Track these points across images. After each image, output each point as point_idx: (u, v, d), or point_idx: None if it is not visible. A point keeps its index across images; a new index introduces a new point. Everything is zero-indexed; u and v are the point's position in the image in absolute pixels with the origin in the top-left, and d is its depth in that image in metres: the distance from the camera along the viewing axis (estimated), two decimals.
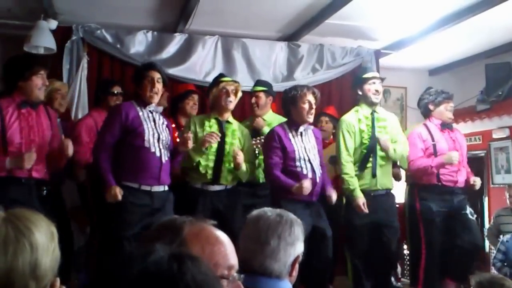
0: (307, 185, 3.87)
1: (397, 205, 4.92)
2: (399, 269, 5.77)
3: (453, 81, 6.27)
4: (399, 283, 5.24)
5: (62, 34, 5.17)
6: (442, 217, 4.48)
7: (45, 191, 3.72)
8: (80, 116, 5.00)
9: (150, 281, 0.79)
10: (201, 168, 4.01)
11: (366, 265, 4.40)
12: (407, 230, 5.27)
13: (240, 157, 4.01)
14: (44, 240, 1.29)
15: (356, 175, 4.31)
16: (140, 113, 3.79)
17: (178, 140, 4.43)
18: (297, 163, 4.02)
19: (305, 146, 4.10)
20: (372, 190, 4.34)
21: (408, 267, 5.78)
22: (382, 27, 5.48)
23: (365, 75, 4.48)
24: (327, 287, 4.26)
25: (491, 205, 5.97)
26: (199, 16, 4.99)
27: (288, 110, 4.14)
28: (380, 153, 4.35)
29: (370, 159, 4.33)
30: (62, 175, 4.24)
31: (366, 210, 4.19)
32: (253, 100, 4.71)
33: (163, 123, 3.89)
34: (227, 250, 1.12)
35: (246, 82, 5.46)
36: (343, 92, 6.04)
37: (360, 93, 4.45)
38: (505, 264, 4.85)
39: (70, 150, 3.65)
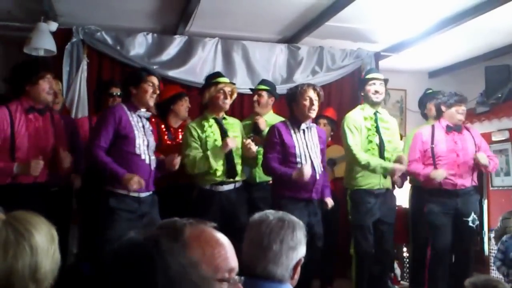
0: (307, 169, 3.91)
1: (397, 207, 4.94)
2: (398, 271, 5.77)
3: (452, 83, 6.26)
4: (396, 286, 5.23)
5: (62, 36, 5.17)
6: (446, 219, 4.48)
7: (53, 189, 3.73)
8: (79, 117, 5.01)
9: (127, 252, 0.79)
10: (212, 169, 4.04)
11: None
12: (411, 232, 5.28)
13: (252, 145, 4.07)
14: (45, 243, 1.28)
15: (362, 176, 4.40)
16: (130, 118, 3.73)
17: (168, 142, 4.48)
18: (297, 159, 4.06)
19: (306, 143, 4.12)
20: (376, 189, 4.41)
21: (407, 270, 5.79)
22: (382, 30, 5.49)
23: (367, 76, 4.61)
24: (311, 283, 4.27)
25: (491, 207, 5.97)
26: (199, 18, 4.99)
27: (291, 108, 4.20)
28: (385, 154, 4.42)
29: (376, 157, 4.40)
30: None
31: (404, 169, 4.37)
32: (255, 97, 4.74)
33: (149, 128, 3.87)
34: (227, 253, 1.11)
35: (245, 84, 5.49)
36: (343, 94, 6.05)
37: (362, 93, 4.59)
38: (505, 263, 4.86)
39: (67, 162, 3.67)
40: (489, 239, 5.91)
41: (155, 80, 3.80)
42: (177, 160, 3.85)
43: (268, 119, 4.68)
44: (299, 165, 4.02)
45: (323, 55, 6.00)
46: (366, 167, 4.33)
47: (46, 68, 3.72)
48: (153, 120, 4.32)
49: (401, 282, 5.75)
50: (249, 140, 4.13)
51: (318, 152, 4.16)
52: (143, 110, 3.81)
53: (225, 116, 4.26)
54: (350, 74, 6.08)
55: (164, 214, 3.74)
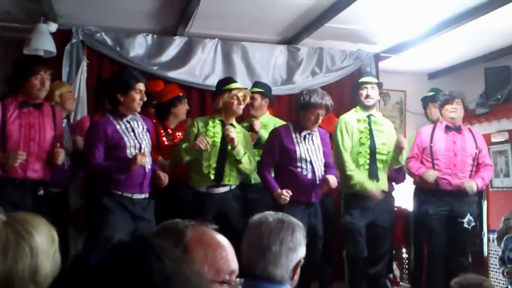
0: (285, 199, 3.93)
1: (395, 208, 4.93)
2: (398, 272, 5.77)
3: (452, 84, 6.26)
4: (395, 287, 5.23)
5: (62, 37, 5.17)
6: (441, 220, 4.49)
7: (41, 192, 3.72)
8: (78, 118, 5.00)
9: (119, 254, 0.79)
10: (203, 169, 4.07)
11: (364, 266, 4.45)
12: (412, 232, 5.28)
13: (233, 133, 4.04)
14: (45, 244, 1.28)
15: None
16: (118, 127, 3.74)
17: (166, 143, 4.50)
18: (298, 163, 4.06)
19: (307, 147, 4.12)
20: (368, 192, 4.37)
21: (407, 271, 5.79)
22: (381, 31, 5.49)
23: (359, 80, 4.66)
24: (309, 284, 4.27)
25: (490, 208, 5.97)
26: (199, 19, 4.99)
27: (297, 113, 4.21)
28: (378, 156, 4.40)
29: (368, 160, 4.38)
30: (68, 176, 4.28)
31: (380, 197, 4.33)
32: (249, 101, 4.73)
33: (142, 129, 3.86)
34: (228, 255, 1.11)
35: (245, 85, 5.46)
36: (343, 96, 6.04)
37: (357, 97, 4.61)
38: (505, 262, 4.87)
39: (60, 159, 3.68)
40: (489, 240, 5.91)
41: (142, 86, 3.81)
42: (165, 180, 3.85)
43: (264, 120, 4.70)
44: (299, 169, 4.05)
45: (322, 56, 6.00)
46: (349, 178, 4.32)
47: (40, 64, 3.71)
48: (154, 121, 4.35)
49: (401, 283, 5.74)
50: (228, 126, 4.10)
51: (320, 155, 4.16)
52: (129, 116, 3.80)
53: (233, 123, 4.25)
54: (349, 75, 6.07)
55: (160, 217, 3.72)
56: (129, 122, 3.80)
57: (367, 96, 4.49)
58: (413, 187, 5.03)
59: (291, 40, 5.83)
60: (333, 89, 6.02)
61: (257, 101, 4.74)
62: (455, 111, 4.59)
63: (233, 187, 4.20)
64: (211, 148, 4.08)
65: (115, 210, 3.65)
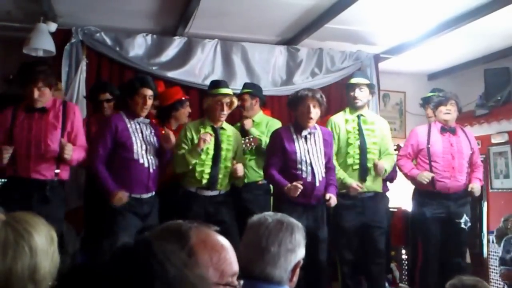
0: (297, 190, 3.89)
1: (392, 209, 4.93)
2: (397, 273, 5.76)
3: (452, 86, 6.26)
4: None
5: (61, 37, 5.17)
6: (438, 222, 4.49)
7: (48, 191, 3.72)
8: None
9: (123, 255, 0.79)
10: (196, 174, 4.04)
11: (358, 267, 4.43)
12: (410, 233, 5.28)
13: (240, 170, 4.10)
14: (44, 244, 1.28)
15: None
16: (129, 125, 3.91)
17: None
18: (298, 166, 4.05)
19: (308, 149, 4.10)
20: (360, 193, 4.36)
21: (406, 272, 5.79)
22: (381, 32, 5.49)
23: (349, 81, 4.70)
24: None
25: (490, 209, 5.97)
26: (198, 19, 4.99)
27: (292, 111, 4.24)
28: (369, 156, 4.39)
29: (357, 161, 4.38)
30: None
31: (359, 189, 4.30)
32: (239, 102, 4.72)
33: (150, 133, 3.99)
34: (231, 257, 1.11)
35: None
36: (343, 97, 6.01)
37: (347, 98, 4.66)
38: (504, 262, 4.88)
39: (67, 153, 3.67)
40: (488, 241, 5.91)
41: (147, 91, 3.89)
42: (171, 138, 3.95)
43: (257, 119, 4.70)
44: (298, 172, 4.02)
45: (322, 57, 6.00)
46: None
47: (39, 74, 3.69)
48: (153, 121, 4.35)
49: (400, 284, 5.74)
50: (238, 165, 4.11)
51: (321, 157, 4.12)
52: (141, 118, 3.95)
53: (223, 126, 4.21)
54: (349, 76, 6.05)
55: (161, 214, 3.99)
56: (139, 124, 3.95)
57: (355, 98, 4.51)
58: (412, 188, 5.03)
59: (291, 40, 5.83)
60: (333, 90, 6.02)
61: (247, 102, 4.72)
62: (449, 112, 4.59)
63: (222, 191, 4.14)
64: (205, 155, 4.05)
65: (125, 212, 3.78)
